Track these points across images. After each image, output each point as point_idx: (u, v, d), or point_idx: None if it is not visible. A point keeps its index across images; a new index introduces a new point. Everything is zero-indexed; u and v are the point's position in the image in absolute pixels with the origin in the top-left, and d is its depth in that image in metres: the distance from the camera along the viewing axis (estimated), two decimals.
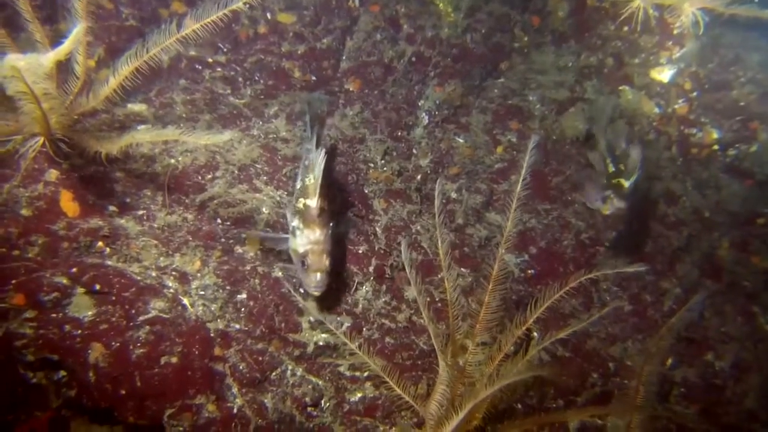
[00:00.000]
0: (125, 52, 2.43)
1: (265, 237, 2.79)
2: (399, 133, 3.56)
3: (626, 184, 3.25)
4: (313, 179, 2.63)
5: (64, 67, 2.54)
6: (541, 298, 2.43)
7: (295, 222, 2.63)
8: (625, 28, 4.25)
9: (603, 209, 3.32)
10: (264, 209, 2.91)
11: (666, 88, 4.26)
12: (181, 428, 2.27)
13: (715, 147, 4.15)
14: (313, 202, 2.61)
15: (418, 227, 3.22)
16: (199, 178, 2.89)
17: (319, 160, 2.63)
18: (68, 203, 2.46)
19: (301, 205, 2.63)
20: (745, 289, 3.75)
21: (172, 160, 2.86)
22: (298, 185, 2.74)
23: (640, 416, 2.45)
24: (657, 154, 4.12)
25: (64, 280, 2.36)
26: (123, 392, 2.24)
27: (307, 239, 2.57)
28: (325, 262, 2.53)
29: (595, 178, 3.47)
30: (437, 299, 2.96)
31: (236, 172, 2.97)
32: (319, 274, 2.52)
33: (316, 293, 2.57)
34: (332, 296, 2.80)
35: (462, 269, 3.17)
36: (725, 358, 3.43)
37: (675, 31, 4.18)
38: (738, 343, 3.50)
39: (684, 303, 3.56)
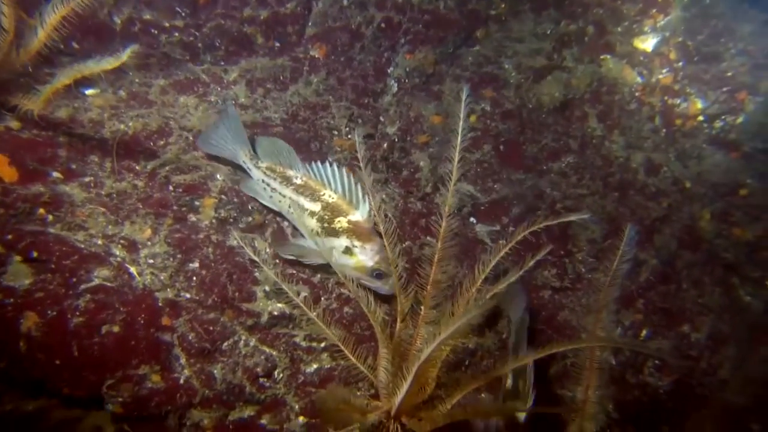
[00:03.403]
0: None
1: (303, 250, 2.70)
2: (366, 101, 3.44)
3: (521, 417, 2.43)
4: (343, 193, 2.66)
5: None
6: (492, 255, 2.32)
7: (344, 242, 2.60)
8: None
9: None
10: (219, 176, 2.79)
11: (649, 58, 4.13)
12: (120, 399, 2.18)
13: (700, 118, 4.04)
14: (359, 215, 2.62)
15: (383, 196, 3.10)
16: (151, 144, 2.77)
17: (334, 171, 2.68)
18: (4, 167, 2.35)
19: (343, 224, 2.60)
20: (725, 260, 3.65)
21: (122, 126, 2.74)
22: (315, 208, 2.67)
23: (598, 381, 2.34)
24: (638, 125, 4.00)
25: None
26: (58, 362, 2.15)
27: (371, 252, 2.57)
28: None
29: None
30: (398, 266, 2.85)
31: (190, 138, 2.85)
32: (392, 277, 2.49)
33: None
34: (291, 266, 2.71)
35: (428, 238, 3.06)
36: (701, 330, 3.33)
37: None
38: (715, 315, 3.40)
39: (661, 275, 3.49)
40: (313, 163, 2.75)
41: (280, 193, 2.72)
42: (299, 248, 2.70)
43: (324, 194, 2.68)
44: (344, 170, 2.70)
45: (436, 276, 2.31)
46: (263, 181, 2.74)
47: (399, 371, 2.15)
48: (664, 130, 4.02)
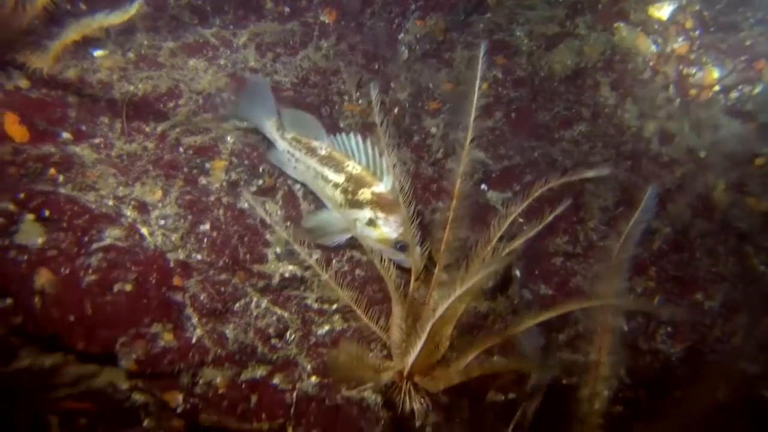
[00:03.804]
0: None
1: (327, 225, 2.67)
2: (376, 66, 3.40)
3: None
4: (367, 165, 2.62)
5: None
6: (508, 211, 2.29)
7: (367, 214, 2.57)
8: None
9: None
10: (229, 138, 2.77)
11: (664, 26, 4.06)
12: (134, 356, 2.17)
13: (716, 88, 3.97)
14: (383, 187, 2.58)
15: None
16: (161, 106, 2.75)
17: (358, 142, 2.65)
18: (14, 127, 2.32)
19: (367, 196, 2.57)
20: (739, 230, 3.61)
21: (131, 87, 2.72)
22: (339, 179, 2.65)
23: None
24: (652, 94, 3.94)
25: (10, 206, 2.23)
26: (71, 318, 2.14)
27: (395, 224, 2.53)
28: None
29: None
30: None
31: (200, 101, 2.83)
32: (418, 247, 2.44)
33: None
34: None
35: (440, 203, 3.04)
36: (715, 298, 3.30)
37: None
38: (729, 284, 3.37)
39: (674, 243, 3.45)
40: (337, 134, 2.73)
41: (304, 164, 2.70)
42: (322, 221, 2.67)
43: (348, 166, 2.66)
44: (368, 141, 2.67)
45: (449, 236, 2.29)
46: (288, 152, 2.73)
47: (412, 330, 2.14)
48: (678, 100, 3.96)
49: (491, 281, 2.83)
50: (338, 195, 2.64)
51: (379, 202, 2.59)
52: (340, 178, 2.64)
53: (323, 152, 2.70)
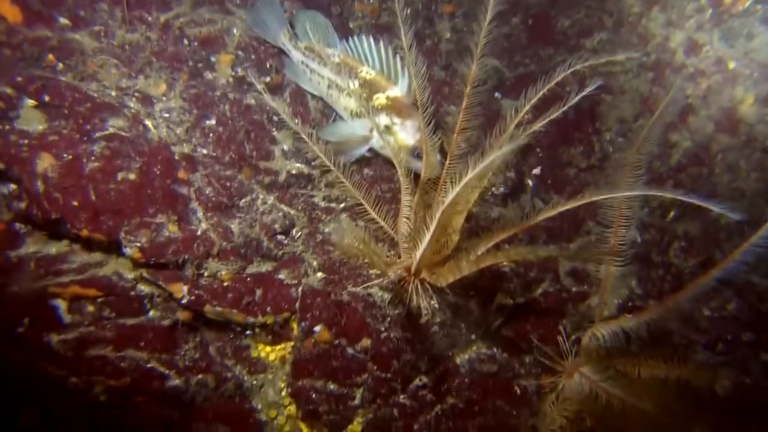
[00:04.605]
0: None
1: (344, 136, 2.55)
2: None
3: None
4: (381, 69, 2.51)
5: None
6: (524, 101, 2.19)
7: (384, 120, 2.46)
8: None
9: None
10: (235, 31, 2.65)
11: None
12: (138, 244, 2.16)
13: None
14: (398, 90, 2.47)
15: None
16: None
17: (370, 45, 2.54)
18: (5, 5, 2.22)
19: (382, 101, 2.46)
20: (764, 144, 3.47)
21: None
22: (351, 85, 2.51)
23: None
24: (681, 3, 3.72)
25: (8, 90, 2.17)
26: (75, 203, 2.11)
27: (412, 129, 2.43)
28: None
29: None
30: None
31: None
32: (438, 154, 2.33)
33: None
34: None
35: (452, 107, 2.93)
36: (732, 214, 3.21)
37: None
38: (748, 200, 3.28)
39: (694, 157, 3.35)
40: (350, 38, 2.60)
41: (318, 74, 2.59)
42: (338, 133, 2.56)
43: (362, 71, 2.54)
44: (381, 44, 2.55)
45: (463, 125, 2.20)
46: (302, 62, 2.62)
47: (422, 225, 2.08)
48: (710, 10, 3.74)
49: (501, 179, 2.76)
50: (353, 103, 2.53)
51: (394, 107, 2.48)
52: (354, 85, 2.53)
53: (336, 59, 2.58)
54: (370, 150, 2.61)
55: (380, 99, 2.51)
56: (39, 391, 2.18)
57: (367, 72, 2.55)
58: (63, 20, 2.40)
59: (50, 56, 2.32)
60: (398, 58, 2.53)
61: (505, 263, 2.42)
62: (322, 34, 2.62)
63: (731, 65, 3.57)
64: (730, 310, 3.02)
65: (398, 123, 2.48)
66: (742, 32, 3.55)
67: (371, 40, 2.58)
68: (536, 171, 3.05)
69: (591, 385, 2.09)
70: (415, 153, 2.45)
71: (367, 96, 2.52)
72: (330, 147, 2.19)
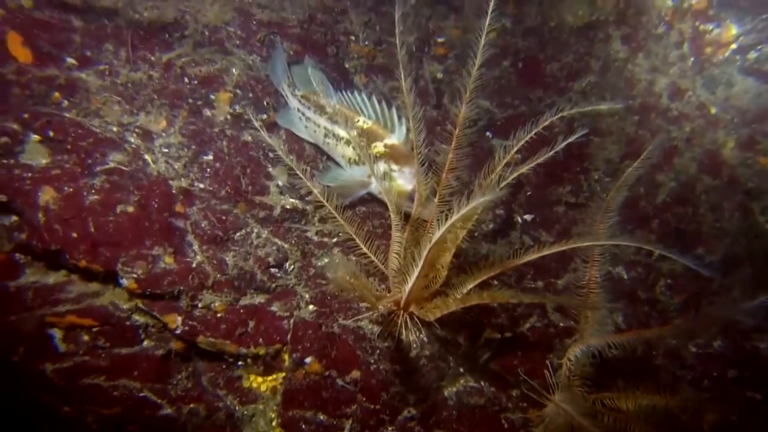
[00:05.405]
0: None
1: (343, 182, 2.66)
2: (384, 9, 3.36)
3: None
4: (377, 119, 2.61)
5: None
6: (515, 140, 2.29)
7: (382, 167, 2.55)
8: None
9: None
10: (234, 70, 2.76)
11: None
12: (134, 275, 2.21)
13: (734, 46, 3.88)
14: (395, 138, 2.56)
15: (399, 103, 3.06)
16: (166, 36, 2.74)
17: (363, 98, 2.65)
18: (17, 47, 2.33)
19: (380, 149, 2.55)
20: (745, 186, 3.58)
21: (137, 15, 2.70)
22: (349, 134, 2.60)
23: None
24: (665, 50, 3.88)
25: (15, 126, 2.26)
26: (74, 235, 2.17)
27: (410, 175, 2.50)
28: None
29: None
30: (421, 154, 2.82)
31: (206, 33, 2.81)
32: (433, 201, 2.39)
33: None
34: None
35: (443, 145, 3.02)
36: (716, 253, 3.30)
37: None
38: (731, 239, 3.36)
39: (679, 197, 3.44)
40: (343, 91, 2.72)
41: (315, 123, 2.69)
42: (339, 178, 2.65)
43: (358, 121, 2.64)
44: (373, 97, 2.67)
45: (452, 164, 2.29)
46: (299, 110, 2.73)
47: (411, 260, 2.14)
48: (692, 58, 3.89)
49: (490, 216, 2.84)
50: (351, 151, 2.62)
51: (392, 154, 2.57)
52: (351, 134, 2.62)
53: (332, 110, 2.68)
54: (367, 193, 2.70)
55: (378, 147, 2.60)
56: (31, 420, 2.20)
57: (363, 121, 2.65)
58: (70, 60, 2.51)
59: (56, 94, 2.42)
60: (393, 109, 2.64)
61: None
62: (317, 84, 2.72)
63: (713, 110, 3.70)
64: (716, 347, 3.07)
65: (396, 170, 2.57)
66: (722, 80, 3.69)
67: (363, 95, 2.70)
68: (527, 216, 3.13)
69: (568, 418, 2.12)
70: (412, 197, 2.53)
71: (365, 144, 2.59)
72: (329, 190, 2.28)
